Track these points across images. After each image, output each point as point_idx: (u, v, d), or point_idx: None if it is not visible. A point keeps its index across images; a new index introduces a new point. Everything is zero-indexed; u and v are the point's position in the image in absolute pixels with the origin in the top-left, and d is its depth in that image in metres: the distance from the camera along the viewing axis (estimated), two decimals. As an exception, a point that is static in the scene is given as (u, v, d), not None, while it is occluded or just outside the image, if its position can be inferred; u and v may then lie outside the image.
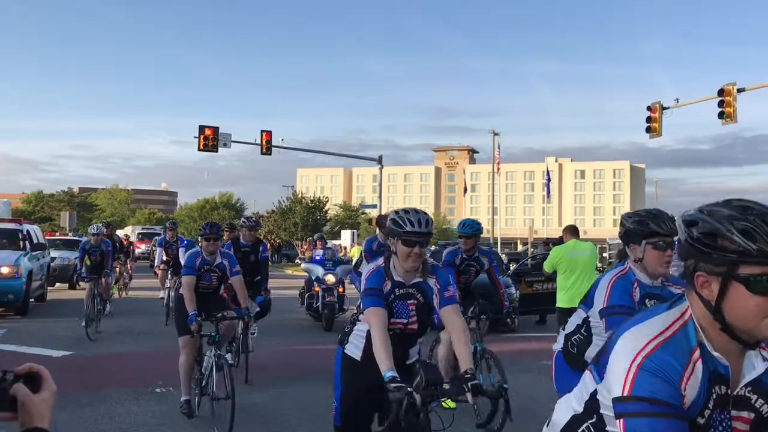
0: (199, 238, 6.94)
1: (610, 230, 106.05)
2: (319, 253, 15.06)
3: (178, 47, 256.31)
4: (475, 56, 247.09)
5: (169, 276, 14.14)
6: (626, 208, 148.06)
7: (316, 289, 13.76)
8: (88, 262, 12.77)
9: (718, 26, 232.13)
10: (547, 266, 9.46)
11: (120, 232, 60.27)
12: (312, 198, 59.41)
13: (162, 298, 14.66)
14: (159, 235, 50.83)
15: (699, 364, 1.64)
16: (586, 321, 3.81)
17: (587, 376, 1.87)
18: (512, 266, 18.55)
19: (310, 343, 11.76)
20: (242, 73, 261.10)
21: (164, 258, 14.88)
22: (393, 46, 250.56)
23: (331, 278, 13.59)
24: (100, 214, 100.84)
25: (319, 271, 13.97)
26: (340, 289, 13.84)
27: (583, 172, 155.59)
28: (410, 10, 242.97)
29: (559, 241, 10.52)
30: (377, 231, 10.20)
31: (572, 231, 9.27)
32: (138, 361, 9.79)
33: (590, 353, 3.64)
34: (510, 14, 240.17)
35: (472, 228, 7.17)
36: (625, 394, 1.60)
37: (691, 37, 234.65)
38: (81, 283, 17.12)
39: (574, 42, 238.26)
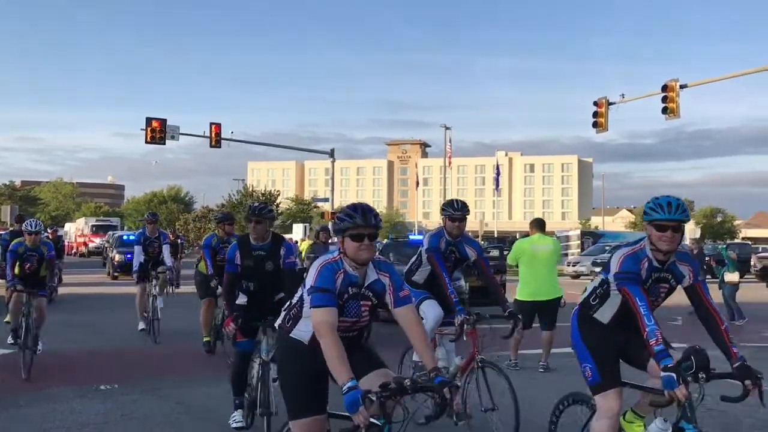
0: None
1: (559, 223, 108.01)
2: (334, 250, 13.28)
3: (124, 38, 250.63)
4: (428, 50, 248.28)
5: (154, 283, 11.36)
6: (574, 202, 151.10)
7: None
8: (17, 271, 8.70)
9: (664, 24, 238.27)
10: (510, 258, 9.56)
11: (69, 225, 58.21)
12: (263, 191, 58.87)
13: (143, 330, 11.30)
14: (115, 227, 48.63)
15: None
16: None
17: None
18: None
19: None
20: (191, 65, 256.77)
21: (142, 259, 11.56)
22: (345, 39, 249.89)
23: None
24: (44, 208, 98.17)
25: None
26: None
27: (532, 166, 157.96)
28: (365, 4, 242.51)
29: (526, 235, 10.61)
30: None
31: (538, 224, 9.35)
32: (82, 358, 9.55)
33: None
34: (462, 9, 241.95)
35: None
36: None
37: (637, 33, 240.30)
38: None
39: (524, 38, 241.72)
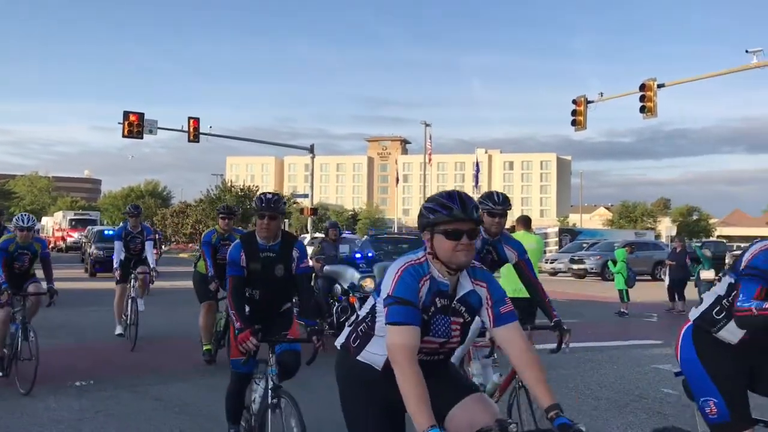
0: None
1: (537, 221, 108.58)
2: (345, 248, 11.72)
3: (101, 30, 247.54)
4: (408, 47, 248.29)
5: (134, 284, 10.42)
6: (553, 199, 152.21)
7: (352, 299, 10.04)
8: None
9: (642, 23, 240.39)
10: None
11: (47, 219, 57.11)
12: (242, 187, 58.52)
13: (121, 335, 10.31)
14: (94, 221, 47.12)
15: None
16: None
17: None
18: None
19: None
20: (169, 58, 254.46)
21: (122, 256, 10.44)
22: (324, 34, 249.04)
23: (369, 283, 10.04)
24: (19, 202, 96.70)
25: (353, 274, 10.34)
26: None
27: (511, 164, 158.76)
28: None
29: (511, 231, 10.64)
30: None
31: (524, 222, 9.39)
32: (57, 355, 9.44)
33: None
34: (444, 7, 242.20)
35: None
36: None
37: (617, 33, 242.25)
38: None
39: (504, 36, 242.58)
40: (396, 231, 49.62)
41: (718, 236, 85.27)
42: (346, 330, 3.16)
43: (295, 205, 63.26)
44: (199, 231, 56.89)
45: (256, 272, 4.85)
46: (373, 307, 2.98)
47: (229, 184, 58.66)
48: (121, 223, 10.91)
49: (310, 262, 11.41)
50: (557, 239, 42.70)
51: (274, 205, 4.86)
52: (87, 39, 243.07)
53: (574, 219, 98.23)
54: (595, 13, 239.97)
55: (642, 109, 22.51)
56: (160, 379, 7.94)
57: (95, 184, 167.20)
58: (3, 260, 7.63)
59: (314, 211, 37.49)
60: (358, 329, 3.07)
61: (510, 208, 5.41)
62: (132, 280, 10.42)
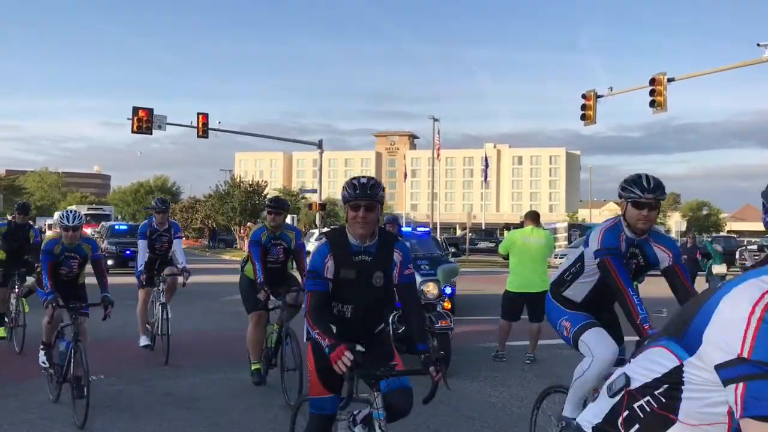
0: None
1: (546, 215, 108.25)
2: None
3: (109, 26, 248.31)
4: (414, 41, 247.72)
5: (161, 287, 9.10)
6: (562, 194, 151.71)
7: None
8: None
9: (651, 17, 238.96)
10: (501, 248, 9.57)
11: (59, 214, 57.09)
12: (250, 182, 58.62)
13: (147, 346, 9.21)
14: (108, 216, 45.96)
15: None
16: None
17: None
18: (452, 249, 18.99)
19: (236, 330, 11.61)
20: (177, 54, 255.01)
21: (146, 257, 9.11)
22: (332, 29, 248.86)
23: (432, 288, 8.27)
24: (29, 197, 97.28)
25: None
26: (447, 304, 8.60)
27: (520, 159, 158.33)
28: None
29: (520, 226, 10.63)
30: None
31: (532, 217, 9.36)
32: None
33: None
34: (451, 0, 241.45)
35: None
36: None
37: (625, 26, 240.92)
38: None
39: (512, 29, 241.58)
40: (404, 225, 49.50)
41: (728, 231, 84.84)
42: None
43: (303, 201, 63.33)
44: (208, 226, 57.09)
45: (349, 282, 3.74)
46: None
47: (238, 180, 58.72)
48: (144, 220, 9.62)
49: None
50: (566, 234, 42.54)
51: (372, 191, 3.66)
52: (95, 35, 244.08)
53: (584, 214, 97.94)
54: (603, 6, 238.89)
55: (652, 104, 22.37)
56: (171, 374, 7.96)
57: (105, 179, 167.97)
58: (48, 266, 6.58)
59: (323, 206, 37.49)
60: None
61: (664, 198, 4.12)
62: (160, 284, 9.11)
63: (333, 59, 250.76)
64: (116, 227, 26.80)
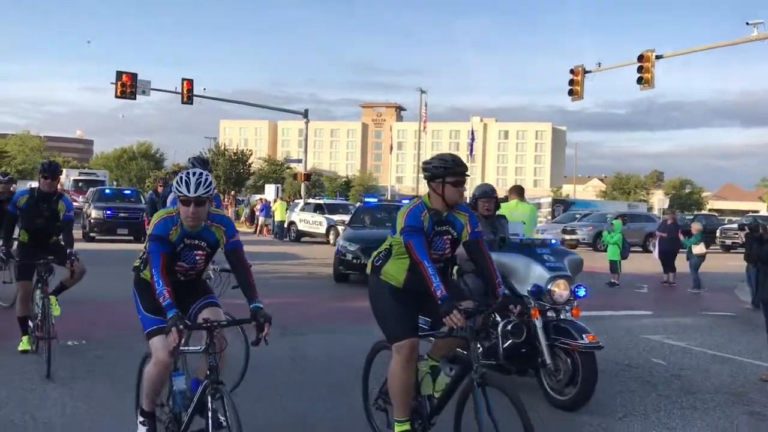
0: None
1: (531, 190, 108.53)
2: (518, 227, 7.42)
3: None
4: (403, 11, 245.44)
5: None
6: (546, 169, 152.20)
7: (534, 312, 5.90)
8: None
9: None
10: None
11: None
12: (235, 151, 58.21)
13: None
14: (102, 182, 42.98)
15: None
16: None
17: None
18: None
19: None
20: (161, 19, 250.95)
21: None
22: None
23: (563, 288, 6.13)
24: (10, 161, 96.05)
25: (540, 273, 6.18)
26: (576, 311, 6.26)
27: (506, 133, 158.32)
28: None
29: (504, 200, 10.67)
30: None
31: (517, 191, 9.39)
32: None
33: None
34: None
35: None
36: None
37: (615, 2, 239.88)
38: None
39: (503, 3, 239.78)
40: (389, 198, 49.57)
41: (710, 210, 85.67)
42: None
43: (288, 170, 63.03)
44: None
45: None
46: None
47: (222, 148, 58.29)
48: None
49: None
50: (550, 209, 42.76)
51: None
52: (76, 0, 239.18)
53: (568, 190, 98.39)
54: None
55: (639, 80, 22.40)
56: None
57: (87, 144, 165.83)
58: (161, 259, 3.98)
59: (308, 176, 37.42)
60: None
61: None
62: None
63: (320, 28, 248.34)
64: (105, 191, 26.07)
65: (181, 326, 3.74)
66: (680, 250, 16.78)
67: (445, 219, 4.37)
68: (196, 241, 4.21)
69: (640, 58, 22.37)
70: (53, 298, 6.74)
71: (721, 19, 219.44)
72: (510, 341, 5.28)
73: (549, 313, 6.02)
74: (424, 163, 4.44)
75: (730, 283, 16.29)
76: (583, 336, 5.70)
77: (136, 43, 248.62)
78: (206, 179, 4.02)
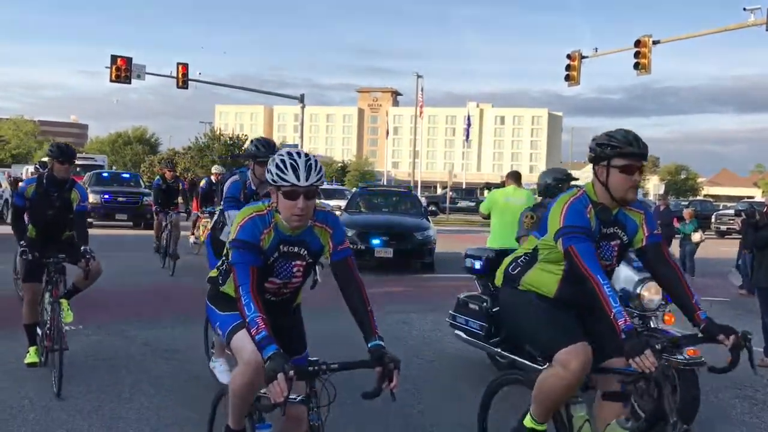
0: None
1: (527, 176, 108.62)
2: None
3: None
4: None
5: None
6: (542, 155, 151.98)
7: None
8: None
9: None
10: (482, 207, 9.63)
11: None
12: (231, 135, 57.99)
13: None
14: (101, 167, 43.33)
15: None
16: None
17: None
18: (432, 208, 19.22)
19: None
20: (156, 2, 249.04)
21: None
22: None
23: (654, 293, 5.49)
24: (4, 146, 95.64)
25: (628, 276, 5.63)
26: (670, 318, 5.74)
27: (503, 118, 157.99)
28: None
29: (501, 186, 10.68)
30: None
31: (514, 177, 9.43)
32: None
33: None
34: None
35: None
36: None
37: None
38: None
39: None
40: (385, 183, 49.55)
41: (705, 195, 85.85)
42: None
43: (284, 155, 62.90)
44: (187, 179, 56.56)
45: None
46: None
47: (218, 133, 58.12)
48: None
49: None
50: (546, 195, 42.75)
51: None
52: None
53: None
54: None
55: (636, 66, 22.34)
56: (150, 325, 7.98)
57: (82, 129, 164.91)
58: (250, 275, 3.03)
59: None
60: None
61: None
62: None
63: (316, 11, 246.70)
64: (102, 174, 25.51)
65: (291, 371, 2.64)
66: (675, 236, 16.83)
67: (614, 218, 3.33)
68: (295, 248, 3.23)
69: (637, 43, 22.30)
70: (65, 302, 5.83)
71: (717, 4, 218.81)
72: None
73: (635, 320, 5.21)
74: (592, 140, 3.36)
75: (724, 268, 16.35)
76: (682, 350, 4.52)
77: (131, 26, 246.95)
78: (316, 162, 3.08)
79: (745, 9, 20.03)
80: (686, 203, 36.78)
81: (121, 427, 4.81)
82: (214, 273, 3.51)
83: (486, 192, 20.90)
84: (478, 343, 6.08)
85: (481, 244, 9.45)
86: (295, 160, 3.01)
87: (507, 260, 3.71)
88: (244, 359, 3.12)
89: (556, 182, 6.36)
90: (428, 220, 15.25)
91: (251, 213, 3.14)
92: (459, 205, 47.90)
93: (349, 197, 20.55)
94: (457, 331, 6.37)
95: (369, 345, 2.90)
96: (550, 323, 3.36)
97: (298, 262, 3.26)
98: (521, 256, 3.62)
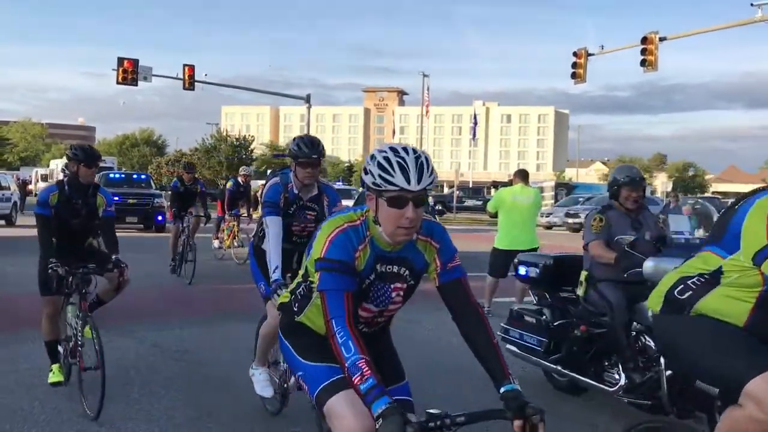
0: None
1: (534, 174, 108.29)
2: (682, 221, 5.77)
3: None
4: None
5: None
6: (549, 153, 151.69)
7: None
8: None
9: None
10: (490, 206, 9.63)
11: (56, 162, 55.39)
12: (237, 136, 58.20)
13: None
14: (110, 169, 44.02)
15: None
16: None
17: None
18: (439, 207, 19.22)
19: (224, 283, 11.64)
20: (162, 4, 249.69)
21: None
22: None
23: None
24: (12, 149, 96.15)
25: None
26: None
27: (509, 117, 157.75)
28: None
29: (509, 184, 10.66)
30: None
31: (522, 175, 9.40)
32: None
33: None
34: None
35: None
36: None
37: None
38: None
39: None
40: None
41: (713, 192, 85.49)
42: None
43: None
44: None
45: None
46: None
47: (224, 134, 58.27)
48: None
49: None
50: (553, 193, 42.72)
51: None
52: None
53: (571, 173, 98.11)
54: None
55: (643, 63, 22.27)
56: (159, 326, 7.98)
57: (90, 131, 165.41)
58: (345, 303, 2.43)
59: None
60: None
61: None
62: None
63: (321, 11, 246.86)
64: (110, 175, 25.33)
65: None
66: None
67: None
68: (395, 268, 2.65)
69: (644, 40, 22.22)
70: (90, 316, 5.44)
71: (725, 0, 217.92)
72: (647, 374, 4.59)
73: None
74: None
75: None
76: None
77: (138, 28, 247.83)
78: (428, 160, 2.49)
79: (752, 4, 19.96)
80: (692, 201, 36.52)
81: (130, 427, 4.81)
82: (285, 297, 2.92)
83: (493, 191, 20.78)
84: (534, 359, 5.52)
85: (488, 243, 9.46)
86: (402, 158, 2.40)
87: (668, 279, 2.97)
88: (343, 428, 2.48)
89: (618, 184, 5.34)
90: (435, 219, 15.23)
91: (342, 224, 2.52)
92: (466, 204, 47.89)
93: (356, 197, 20.56)
94: (509, 346, 5.68)
95: (501, 390, 2.32)
96: (737, 348, 2.67)
97: (398, 285, 2.65)
98: (693, 277, 2.87)
